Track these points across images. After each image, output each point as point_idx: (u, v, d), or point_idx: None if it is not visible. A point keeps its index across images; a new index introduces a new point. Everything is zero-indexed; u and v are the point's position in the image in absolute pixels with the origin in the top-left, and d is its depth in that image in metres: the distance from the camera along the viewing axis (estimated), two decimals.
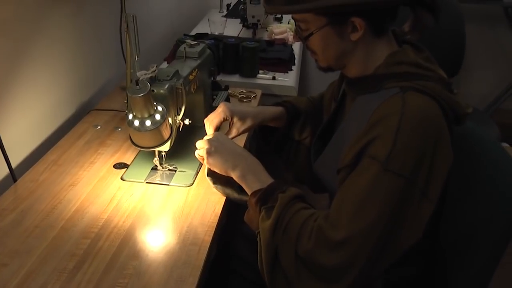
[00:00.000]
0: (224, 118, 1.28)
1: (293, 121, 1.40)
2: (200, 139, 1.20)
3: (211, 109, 1.45)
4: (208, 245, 1.06)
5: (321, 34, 1.03)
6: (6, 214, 1.13)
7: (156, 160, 1.30)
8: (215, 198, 1.22)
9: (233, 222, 1.33)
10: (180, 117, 1.26)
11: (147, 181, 1.28)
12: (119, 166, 1.34)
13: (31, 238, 1.05)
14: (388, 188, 0.91)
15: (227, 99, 1.74)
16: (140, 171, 1.31)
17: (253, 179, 1.10)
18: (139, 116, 1.13)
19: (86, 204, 1.17)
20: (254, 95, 1.84)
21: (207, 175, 1.20)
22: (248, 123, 1.30)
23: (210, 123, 1.28)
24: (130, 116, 1.15)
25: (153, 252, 1.03)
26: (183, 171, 1.32)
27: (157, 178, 1.29)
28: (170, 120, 1.22)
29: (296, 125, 1.40)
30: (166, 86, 1.21)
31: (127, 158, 1.37)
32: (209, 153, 1.15)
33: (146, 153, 1.35)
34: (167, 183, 1.27)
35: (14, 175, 1.26)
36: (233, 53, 2.03)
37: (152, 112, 1.14)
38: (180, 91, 1.24)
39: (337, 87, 1.29)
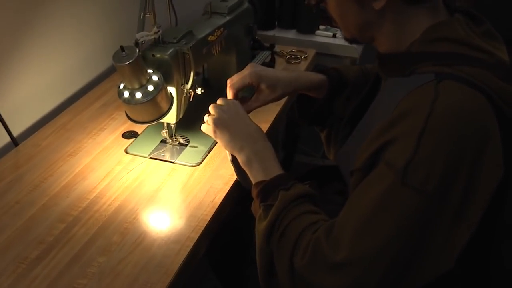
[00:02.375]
0: (248, 83, 1.06)
1: (336, 93, 1.16)
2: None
3: None
4: (191, 244, 0.90)
5: None
6: None
7: (164, 133, 1.15)
8: (219, 185, 1.05)
9: (248, 206, 1.17)
10: (189, 86, 1.09)
11: (151, 156, 1.14)
12: (129, 135, 1.21)
13: (7, 216, 0.97)
14: (403, 206, 0.69)
15: (271, 60, 1.53)
16: (148, 144, 1.18)
17: (258, 167, 0.92)
18: (129, 87, 0.98)
19: (78, 179, 1.06)
20: (305, 55, 1.61)
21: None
22: (278, 92, 1.07)
23: (230, 86, 1.05)
24: (121, 86, 1.00)
25: (125, 247, 0.89)
26: (195, 147, 1.17)
27: (163, 153, 1.14)
28: (174, 90, 1.06)
29: (339, 97, 1.16)
30: (170, 50, 1.03)
31: (140, 126, 1.24)
32: (216, 125, 0.96)
33: (158, 123, 1.21)
34: (172, 161, 1.12)
35: (14, 139, 1.17)
36: (291, 3, 1.79)
37: (144, 83, 0.98)
38: (188, 56, 1.06)
39: None
